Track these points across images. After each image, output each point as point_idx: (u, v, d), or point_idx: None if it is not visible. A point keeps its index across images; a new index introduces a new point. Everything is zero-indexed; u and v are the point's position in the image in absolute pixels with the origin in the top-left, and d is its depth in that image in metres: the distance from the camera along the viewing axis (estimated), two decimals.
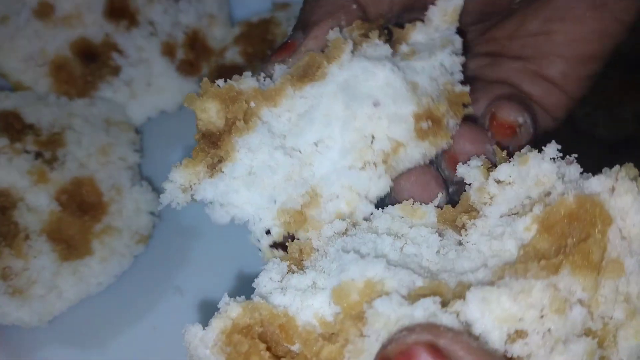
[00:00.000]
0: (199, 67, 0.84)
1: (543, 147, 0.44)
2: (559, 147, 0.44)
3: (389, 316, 0.37)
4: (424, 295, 0.38)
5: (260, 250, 0.49)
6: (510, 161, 0.45)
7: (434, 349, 0.33)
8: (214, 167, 0.47)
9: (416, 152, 0.48)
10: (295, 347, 0.40)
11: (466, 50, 0.53)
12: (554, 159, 0.44)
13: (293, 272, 0.44)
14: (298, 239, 0.48)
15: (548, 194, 0.43)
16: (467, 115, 0.51)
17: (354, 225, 0.48)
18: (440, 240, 0.45)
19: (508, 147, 0.51)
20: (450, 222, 0.47)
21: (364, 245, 0.44)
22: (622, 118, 1.08)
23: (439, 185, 0.50)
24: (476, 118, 0.54)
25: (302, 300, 0.41)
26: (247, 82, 0.47)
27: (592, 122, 1.07)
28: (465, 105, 0.50)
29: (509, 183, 0.45)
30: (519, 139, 0.51)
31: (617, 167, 0.41)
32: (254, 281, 0.45)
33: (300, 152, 0.47)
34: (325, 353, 0.38)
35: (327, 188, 0.47)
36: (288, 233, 0.47)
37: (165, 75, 0.83)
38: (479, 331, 0.36)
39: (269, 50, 0.83)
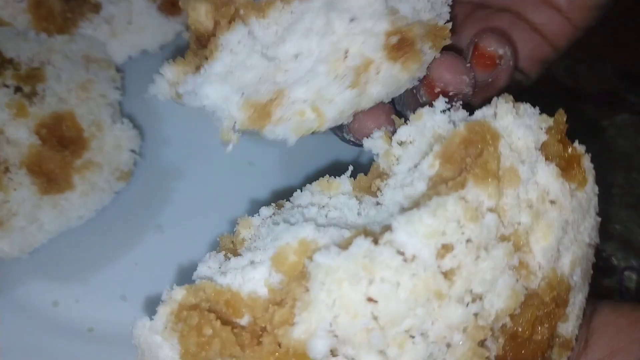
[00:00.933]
0: (180, 7, 0.83)
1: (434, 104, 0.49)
2: (446, 100, 0.49)
3: (330, 265, 0.39)
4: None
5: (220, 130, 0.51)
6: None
7: None
8: (200, 68, 0.49)
9: (388, 74, 0.49)
10: (245, 320, 0.42)
11: None
12: (444, 110, 0.48)
13: (229, 259, 0.46)
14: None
15: (444, 138, 0.46)
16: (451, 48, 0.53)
17: (279, 208, 0.50)
18: (359, 204, 0.48)
19: (488, 79, 0.53)
20: (365, 189, 0.50)
21: (292, 217, 0.47)
22: (603, 73, 1.09)
23: (388, 120, 0.53)
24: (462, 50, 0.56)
25: (244, 276, 0.43)
26: None
27: (573, 75, 1.08)
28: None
29: (411, 142, 0.48)
30: (499, 71, 0.53)
31: (495, 97, 0.46)
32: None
33: (279, 60, 0.48)
34: (277, 317, 0.40)
35: (296, 90, 0.48)
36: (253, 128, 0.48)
37: (146, 14, 0.82)
38: (411, 254, 0.39)
39: None
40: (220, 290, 0.42)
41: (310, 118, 0.49)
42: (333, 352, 0.39)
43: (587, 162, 0.46)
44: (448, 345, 0.40)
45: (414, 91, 0.54)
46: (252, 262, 0.44)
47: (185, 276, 0.71)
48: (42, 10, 0.79)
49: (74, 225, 0.69)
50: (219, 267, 0.46)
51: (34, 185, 0.66)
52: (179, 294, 0.42)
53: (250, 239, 0.48)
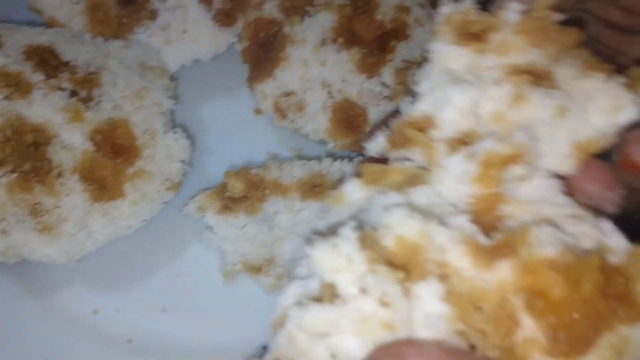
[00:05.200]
0: (235, 18, 0.82)
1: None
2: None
3: None
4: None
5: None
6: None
7: None
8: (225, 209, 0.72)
9: None
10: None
11: None
12: None
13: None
14: None
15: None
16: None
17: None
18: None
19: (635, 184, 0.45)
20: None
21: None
22: None
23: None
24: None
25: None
26: None
27: None
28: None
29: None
30: None
31: None
32: None
33: None
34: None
35: None
36: None
37: (201, 24, 0.81)
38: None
39: (308, 6, 0.81)
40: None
41: None
42: None
43: None
44: None
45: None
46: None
47: (225, 291, 0.71)
48: (99, 14, 0.78)
49: (122, 235, 0.68)
50: None
51: (86, 192, 0.65)
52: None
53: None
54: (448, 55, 0.44)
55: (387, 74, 0.78)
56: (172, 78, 0.79)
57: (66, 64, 0.71)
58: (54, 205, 0.64)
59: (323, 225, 0.43)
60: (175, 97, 0.76)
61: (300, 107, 0.77)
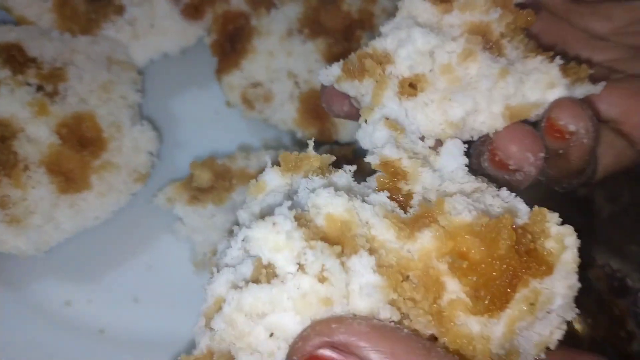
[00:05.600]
0: (203, 11, 0.83)
1: None
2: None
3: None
4: None
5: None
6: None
7: (333, 347, 0.34)
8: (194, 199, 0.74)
9: None
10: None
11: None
12: None
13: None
14: None
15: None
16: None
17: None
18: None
19: (558, 150, 0.46)
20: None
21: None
22: None
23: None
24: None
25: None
26: None
27: None
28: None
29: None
30: (570, 147, 0.45)
31: None
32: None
33: None
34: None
35: None
36: None
37: (169, 18, 0.82)
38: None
39: None
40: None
41: None
42: None
43: None
44: None
45: (478, 154, 0.47)
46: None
47: (196, 282, 0.72)
48: (67, 10, 0.79)
49: (90, 226, 0.69)
50: None
51: (52, 184, 0.66)
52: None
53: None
54: (417, 7, 0.48)
55: None
56: (140, 72, 0.80)
57: (33, 59, 0.72)
58: (21, 197, 0.65)
59: (245, 216, 0.44)
60: (142, 90, 0.77)
61: (268, 98, 0.78)
